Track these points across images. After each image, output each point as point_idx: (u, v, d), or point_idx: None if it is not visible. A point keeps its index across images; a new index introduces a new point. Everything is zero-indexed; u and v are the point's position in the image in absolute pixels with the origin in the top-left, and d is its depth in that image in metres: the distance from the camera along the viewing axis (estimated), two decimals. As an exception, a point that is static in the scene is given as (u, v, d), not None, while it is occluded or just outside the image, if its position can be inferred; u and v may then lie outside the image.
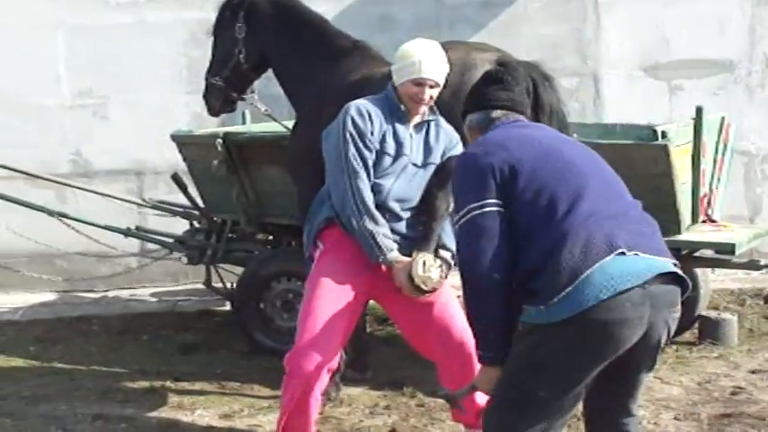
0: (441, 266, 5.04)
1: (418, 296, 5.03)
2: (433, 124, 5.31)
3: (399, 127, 5.22)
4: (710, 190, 7.24)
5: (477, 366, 5.13)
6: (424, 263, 4.98)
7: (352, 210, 5.05)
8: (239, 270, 8.00)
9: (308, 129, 6.45)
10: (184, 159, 7.92)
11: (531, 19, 9.50)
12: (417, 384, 6.64)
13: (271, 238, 8.11)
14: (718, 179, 7.35)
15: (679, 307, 3.89)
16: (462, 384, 5.18)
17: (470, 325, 4.02)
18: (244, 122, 8.35)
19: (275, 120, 7.39)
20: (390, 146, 5.18)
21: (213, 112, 7.33)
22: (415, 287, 4.97)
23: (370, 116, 5.16)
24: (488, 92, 4.26)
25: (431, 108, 5.29)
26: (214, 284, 8.03)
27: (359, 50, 6.73)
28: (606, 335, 3.69)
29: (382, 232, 5.06)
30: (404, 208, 5.23)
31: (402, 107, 5.21)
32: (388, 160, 5.18)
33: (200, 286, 8.62)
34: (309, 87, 6.66)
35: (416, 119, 5.26)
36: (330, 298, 5.08)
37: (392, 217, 5.19)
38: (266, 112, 7.31)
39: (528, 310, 3.80)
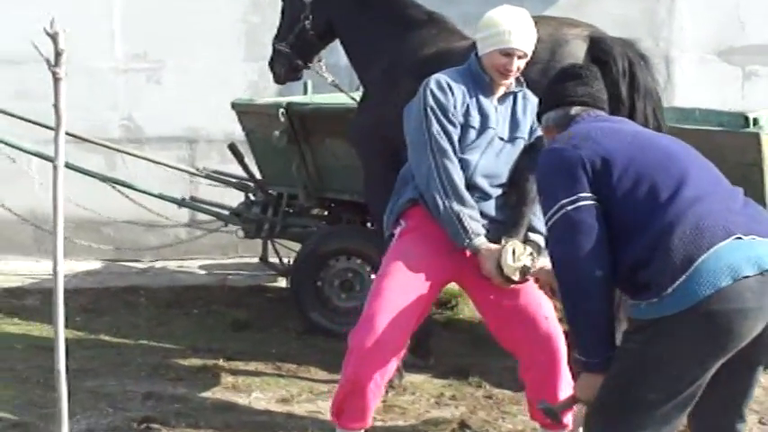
0: (531, 254, 4.70)
1: (507, 286, 4.71)
2: (519, 96, 4.98)
3: (483, 99, 4.89)
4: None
5: (564, 362, 4.89)
6: (514, 251, 4.64)
7: (438, 189, 4.72)
8: (295, 246, 7.74)
9: (378, 103, 6.15)
10: (243, 129, 7.63)
11: (605, -3, 9.15)
12: (483, 374, 6.34)
13: (327, 213, 7.81)
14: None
15: None
16: (547, 380, 4.91)
17: (571, 329, 3.71)
18: (305, 93, 8.03)
19: (342, 90, 7.08)
20: (475, 118, 4.86)
21: (278, 79, 7.02)
22: (505, 277, 4.65)
23: (450, 88, 4.83)
24: (566, 88, 4.03)
25: (517, 79, 4.96)
26: (270, 260, 7.73)
27: (434, 22, 6.35)
28: (726, 327, 3.39)
29: (470, 214, 4.73)
30: (492, 185, 4.90)
31: (487, 78, 4.89)
32: (472, 133, 4.85)
33: (251, 260, 8.39)
34: (379, 59, 6.31)
35: (501, 90, 4.94)
36: (405, 279, 4.76)
37: (480, 196, 4.86)
38: (333, 83, 7.00)
39: (637, 305, 3.51)
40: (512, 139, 4.94)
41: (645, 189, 3.56)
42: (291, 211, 7.72)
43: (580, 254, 3.53)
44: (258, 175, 7.78)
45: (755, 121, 6.11)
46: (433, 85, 4.83)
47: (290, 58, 6.83)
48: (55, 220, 3.50)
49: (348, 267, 7.21)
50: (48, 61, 3.16)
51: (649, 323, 3.46)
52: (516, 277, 4.62)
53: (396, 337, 4.73)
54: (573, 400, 3.93)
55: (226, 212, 7.97)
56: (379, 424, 5.60)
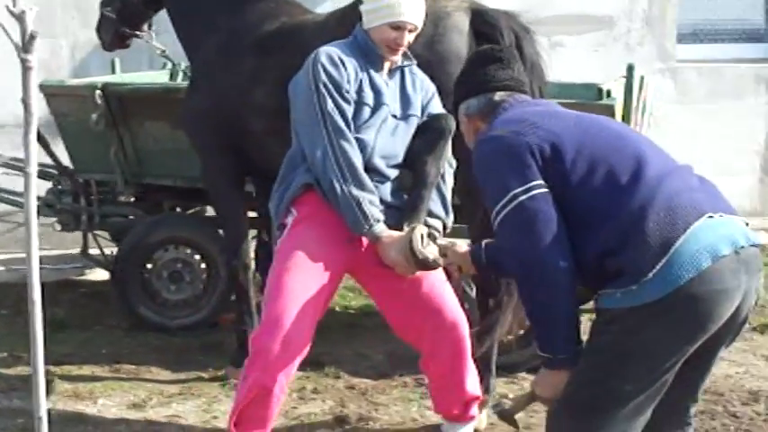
0: (436, 239, 4.42)
1: (411, 274, 4.42)
2: (407, 71, 4.70)
3: (375, 74, 4.60)
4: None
5: (468, 351, 4.66)
6: (422, 236, 4.36)
7: (336, 173, 4.38)
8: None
9: (214, 82, 5.75)
10: (53, 112, 7.01)
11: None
12: (337, 363, 6.06)
13: (145, 201, 7.28)
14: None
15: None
16: (452, 371, 4.68)
17: (536, 326, 3.45)
18: (113, 72, 7.50)
19: (173, 63, 6.61)
20: (368, 95, 4.54)
21: (105, 45, 6.55)
22: (414, 264, 4.35)
23: (343, 63, 4.51)
24: (487, 73, 3.79)
25: (404, 54, 4.67)
26: (90, 252, 7.19)
27: None
28: (708, 309, 3.24)
29: (369, 199, 4.41)
30: (389, 165, 4.60)
31: (377, 52, 4.58)
32: (366, 111, 4.54)
33: (51, 253, 7.78)
34: (213, 35, 5.87)
35: (388, 65, 4.65)
36: (306, 274, 4.42)
37: (378, 179, 4.54)
38: (163, 53, 6.61)
39: (611, 294, 3.29)
40: (405, 116, 4.65)
41: (602, 173, 3.35)
42: (104, 199, 7.19)
43: (542, 245, 3.30)
44: (68, 162, 7.19)
45: (608, 93, 6.04)
46: (324, 59, 4.48)
47: (115, 24, 6.37)
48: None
49: (177, 258, 6.78)
50: (17, 47, 2.66)
51: (627, 312, 3.26)
52: (432, 264, 4.32)
53: (301, 336, 4.40)
54: (530, 399, 3.69)
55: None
56: (248, 425, 5.24)
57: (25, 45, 2.64)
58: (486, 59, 3.86)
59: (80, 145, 6.96)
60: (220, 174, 5.86)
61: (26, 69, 2.70)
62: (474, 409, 4.83)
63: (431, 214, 4.66)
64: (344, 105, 4.46)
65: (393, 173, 4.62)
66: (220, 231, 6.77)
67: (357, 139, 4.49)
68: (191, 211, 7.54)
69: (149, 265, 6.75)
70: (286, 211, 4.57)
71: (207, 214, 7.65)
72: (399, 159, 4.62)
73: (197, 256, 6.78)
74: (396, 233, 4.42)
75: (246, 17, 5.81)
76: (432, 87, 4.76)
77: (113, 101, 6.67)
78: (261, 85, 5.54)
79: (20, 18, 2.62)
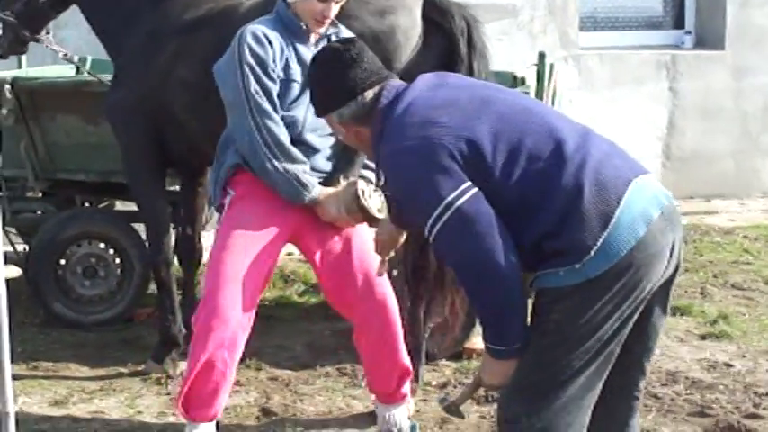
0: (376, 190, 4.50)
1: (352, 225, 4.55)
2: (333, 38, 4.65)
3: (301, 48, 4.60)
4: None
5: (398, 325, 4.70)
6: (363, 190, 4.44)
7: (264, 152, 4.43)
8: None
9: (139, 74, 5.70)
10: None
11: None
12: (256, 355, 6.03)
13: (57, 196, 7.17)
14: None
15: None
16: (382, 343, 4.71)
17: (488, 321, 3.42)
18: (20, 66, 7.37)
19: (76, 65, 6.54)
20: (296, 71, 4.56)
21: (3, 53, 6.37)
22: (364, 216, 4.46)
23: (269, 41, 4.50)
24: (347, 79, 3.61)
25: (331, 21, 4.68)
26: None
27: None
28: (646, 273, 3.30)
29: (303, 169, 4.48)
30: (320, 136, 4.63)
31: (302, 25, 4.59)
32: (296, 88, 4.56)
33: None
34: (133, 27, 5.82)
35: (315, 37, 4.65)
36: (244, 248, 4.47)
37: (310, 151, 4.58)
38: (65, 57, 6.50)
39: (554, 273, 3.33)
40: None
41: (524, 160, 3.34)
42: (14, 195, 7.08)
43: (487, 245, 3.28)
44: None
45: (522, 81, 6.12)
46: (249, 39, 4.47)
47: (15, 28, 6.19)
48: None
49: (91, 252, 6.69)
50: None
51: (572, 289, 3.30)
52: (381, 214, 4.41)
53: (242, 311, 4.44)
54: (476, 387, 3.71)
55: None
56: (172, 420, 5.24)
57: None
58: (338, 65, 3.65)
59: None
60: (143, 167, 5.81)
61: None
62: (407, 386, 4.87)
63: (365, 167, 4.73)
64: (270, 84, 4.47)
65: (325, 142, 4.66)
66: (134, 225, 6.74)
67: (287, 117, 4.52)
68: (101, 206, 7.46)
69: (63, 261, 6.66)
70: (223, 191, 4.59)
71: (117, 208, 7.60)
72: (329, 130, 4.62)
73: (111, 251, 6.71)
74: (331, 189, 4.50)
75: (171, 7, 5.78)
76: None
77: (23, 95, 6.58)
78: (183, 61, 5.52)
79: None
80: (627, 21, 10.42)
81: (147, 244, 6.08)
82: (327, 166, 4.68)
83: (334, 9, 4.57)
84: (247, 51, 4.45)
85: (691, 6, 10.47)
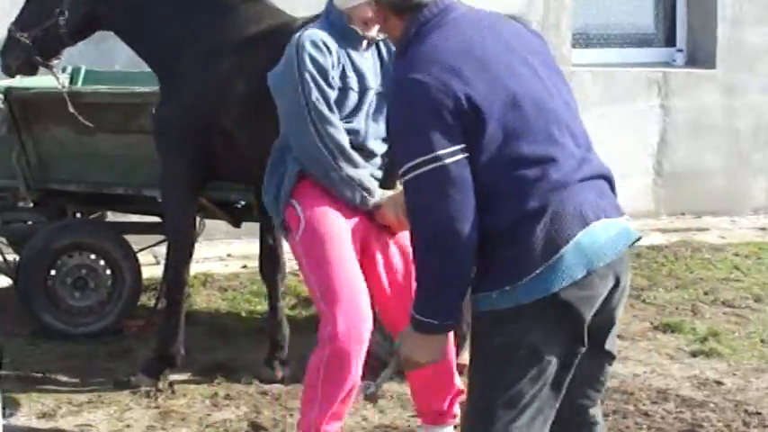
0: None
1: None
2: (382, 43, 4.72)
3: (355, 55, 4.62)
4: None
5: (452, 345, 4.61)
6: None
7: (327, 160, 4.43)
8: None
9: (193, 87, 5.74)
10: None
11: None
12: (247, 369, 6.03)
13: (36, 206, 7.17)
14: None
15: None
16: (436, 366, 4.58)
17: (426, 287, 3.32)
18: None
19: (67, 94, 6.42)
20: (353, 80, 4.58)
21: (9, 71, 6.34)
22: None
23: (328, 48, 4.50)
24: None
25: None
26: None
27: (248, 2, 5.92)
28: (578, 312, 3.25)
29: (366, 174, 4.53)
30: (380, 142, 4.67)
31: (355, 32, 4.58)
32: (353, 97, 4.59)
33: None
34: (188, 46, 5.83)
35: (366, 42, 4.67)
36: (343, 255, 4.47)
37: (373, 159, 4.64)
38: (65, 89, 6.47)
39: (488, 296, 3.28)
40: (385, 91, 4.64)
41: (512, 158, 3.24)
42: (4, 205, 7.07)
43: (456, 213, 3.20)
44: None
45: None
46: (309, 46, 4.45)
47: (29, 51, 6.16)
48: None
49: (81, 264, 6.66)
50: None
51: (507, 313, 3.25)
52: None
53: (368, 322, 4.48)
54: (396, 367, 3.63)
55: None
56: (161, 433, 5.23)
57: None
58: None
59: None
60: (180, 182, 5.87)
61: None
62: (456, 407, 4.80)
63: None
64: (329, 92, 4.47)
65: (383, 147, 4.68)
66: (125, 237, 6.73)
67: (347, 128, 4.53)
68: (92, 217, 7.45)
69: (53, 272, 6.63)
70: (287, 204, 4.56)
71: (108, 219, 7.59)
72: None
73: (102, 262, 6.68)
74: (391, 192, 4.53)
75: (229, 25, 5.80)
76: None
77: (16, 105, 6.58)
78: (240, 76, 5.56)
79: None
80: (619, 38, 10.42)
81: (168, 259, 6.04)
82: (377, 172, 4.68)
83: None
84: (307, 59, 4.43)
85: (682, 24, 10.49)
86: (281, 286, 6.26)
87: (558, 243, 3.21)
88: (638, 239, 3.44)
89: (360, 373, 4.47)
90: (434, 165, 3.20)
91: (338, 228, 4.50)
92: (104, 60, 8.08)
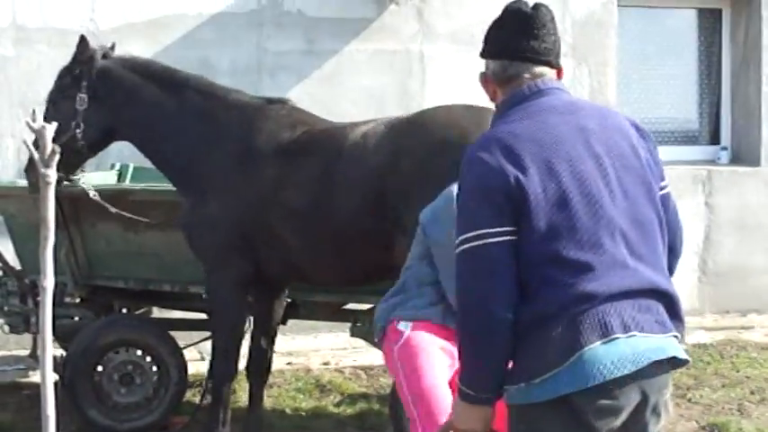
0: None
1: None
2: None
3: None
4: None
5: None
6: None
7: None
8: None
9: (230, 192, 5.91)
10: (3, 213, 7.00)
11: (358, 70, 9.04)
12: None
13: (83, 301, 7.23)
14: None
15: (669, 388, 3.45)
16: None
17: (463, 359, 3.38)
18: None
19: (104, 204, 6.54)
20: None
21: (34, 189, 6.32)
22: None
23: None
24: (508, 36, 3.47)
25: None
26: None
27: (276, 105, 6.15)
28: (587, 420, 3.25)
29: None
30: None
31: None
32: None
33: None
34: (215, 153, 6.01)
35: None
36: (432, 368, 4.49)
37: None
38: (95, 197, 6.53)
39: (508, 390, 3.34)
40: None
41: (546, 255, 3.24)
42: (52, 300, 7.11)
43: (495, 296, 3.24)
44: (14, 262, 7.15)
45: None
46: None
47: None
48: None
49: (128, 360, 6.69)
50: (38, 161, 2.68)
51: (525, 408, 3.30)
52: None
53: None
54: (446, 429, 3.65)
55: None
56: None
57: (45, 160, 2.66)
58: (512, 20, 3.49)
59: (29, 246, 6.91)
60: (229, 283, 6.00)
61: (46, 184, 2.71)
62: None
63: None
64: None
65: None
66: (171, 333, 6.77)
67: None
68: (138, 312, 7.51)
69: (100, 368, 6.66)
70: (393, 325, 4.58)
71: (154, 315, 7.64)
72: None
73: (148, 358, 6.71)
74: None
75: (261, 126, 5.97)
76: None
77: (65, 202, 6.65)
78: (287, 188, 5.71)
79: (39, 133, 2.65)
80: (664, 135, 10.45)
81: (213, 355, 6.16)
82: None
83: None
84: None
85: (726, 122, 10.52)
86: (264, 389, 6.47)
87: (572, 349, 3.22)
88: (680, 361, 3.38)
89: None
90: (477, 243, 3.26)
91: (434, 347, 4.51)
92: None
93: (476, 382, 3.38)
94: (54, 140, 6.07)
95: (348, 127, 5.80)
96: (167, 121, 6.19)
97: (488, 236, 3.24)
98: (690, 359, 3.49)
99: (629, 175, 3.40)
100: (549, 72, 3.50)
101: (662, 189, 3.56)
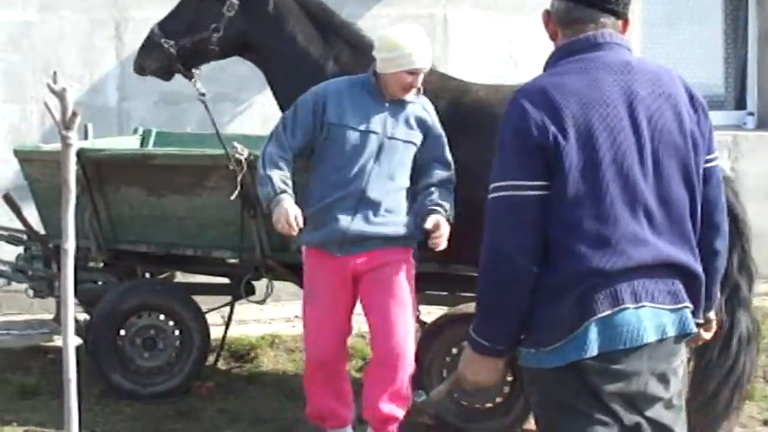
0: None
1: None
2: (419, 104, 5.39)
3: (371, 104, 5.30)
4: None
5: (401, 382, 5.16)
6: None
7: (260, 163, 5.32)
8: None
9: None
10: (27, 178, 7.00)
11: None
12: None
13: (107, 266, 7.24)
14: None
15: (681, 356, 3.47)
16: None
17: (483, 313, 3.38)
18: (86, 137, 7.47)
19: (207, 110, 6.31)
20: (352, 119, 5.28)
21: (141, 70, 6.37)
22: None
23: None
24: None
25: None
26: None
27: None
28: (594, 384, 3.26)
29: (279, 175, 5.25)
30: (388, 192, 5.33)
31: (381, 89, 5.30)
32: (351, 135, 5.27)
33: (15, 319, 7.71)
34: None
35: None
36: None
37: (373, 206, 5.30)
38: (202, 98, 6.30)
39: (521, 352, 3.37)
40: (406, 141, 5.35)
41: (567, 221, 3.23)
42: (76, 265, 7.13)
43: (521, 247, 3.24)
44: (38, 227, 7.16)
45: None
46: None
47: (171, 60, 6.20)
48: None
49: (150, 324, 6.71)
50: (58, 123, 2.67)
51: (537, 374, 3.35)
52: None
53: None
54: (453, 384, 3.68)
55: (6, 269, 7.28)
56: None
57: (66, 122, 2.64)
58: None
59: (52, 211, 6.92)
60: None
61: (66, 146, 2.69)
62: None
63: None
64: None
65: (394, 200, 5.39)
66: (193, 297, 6.78)
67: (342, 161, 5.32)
68: (161, 277, 7.52)
69: (123, 332, 6.68)
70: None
71: (177, 280, 7.65)
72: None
73: (170, 323, 6.72)
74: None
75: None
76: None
77: (89, 166, 6.64)
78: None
79: (60, 95, 2.63)
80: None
81: None
82: (400, 227, 5.37)
83: (420, 79, 5.17)
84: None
85: (753, 87, 10.42)
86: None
87: (582, 318, 3.23)
88: (686, 333, 3.39)
89: None
90: (509, 193, 3.25)
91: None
92: (175, 122, 8.18)
93: (491, 334, 3.36)
94: (184, 35, 6.16)
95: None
96: (305, 64, 6.07)
97: (523, 188, 3.23)
98: (696, 330, 3.47)
99: (667, 150, 3.33)
100: (613, 23, 3.41)
101: (708, 162, 3.45)
